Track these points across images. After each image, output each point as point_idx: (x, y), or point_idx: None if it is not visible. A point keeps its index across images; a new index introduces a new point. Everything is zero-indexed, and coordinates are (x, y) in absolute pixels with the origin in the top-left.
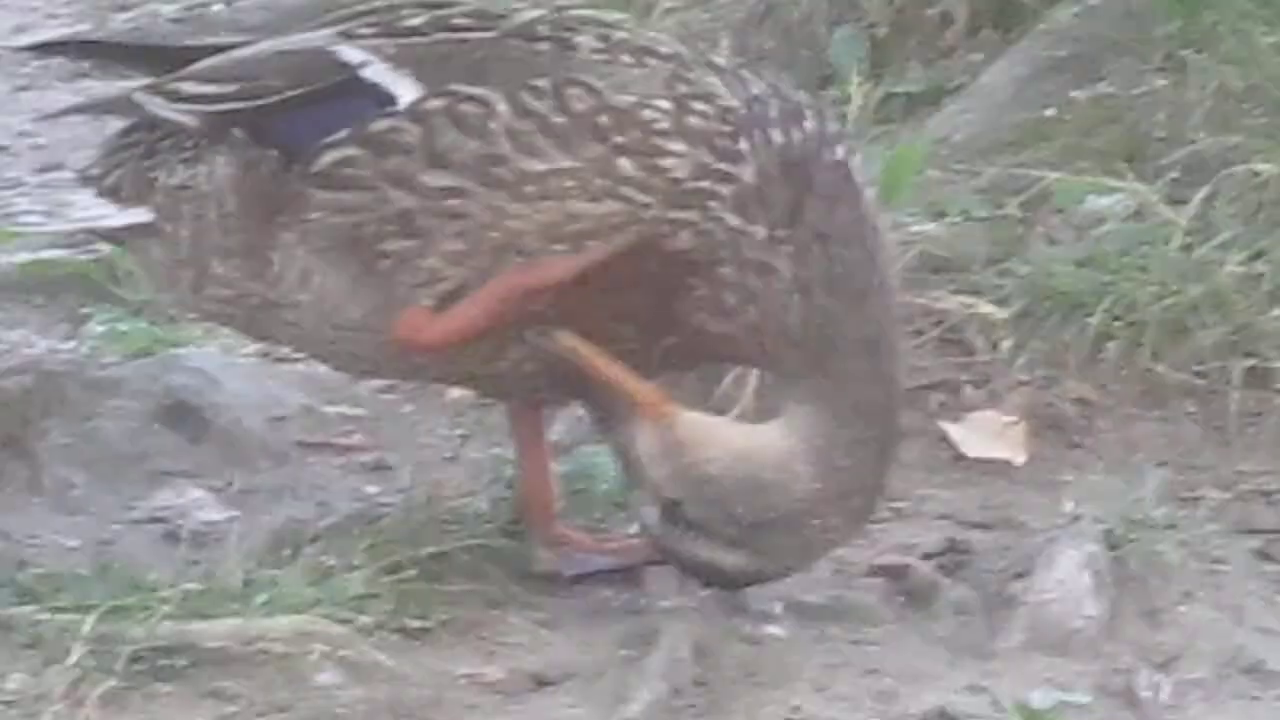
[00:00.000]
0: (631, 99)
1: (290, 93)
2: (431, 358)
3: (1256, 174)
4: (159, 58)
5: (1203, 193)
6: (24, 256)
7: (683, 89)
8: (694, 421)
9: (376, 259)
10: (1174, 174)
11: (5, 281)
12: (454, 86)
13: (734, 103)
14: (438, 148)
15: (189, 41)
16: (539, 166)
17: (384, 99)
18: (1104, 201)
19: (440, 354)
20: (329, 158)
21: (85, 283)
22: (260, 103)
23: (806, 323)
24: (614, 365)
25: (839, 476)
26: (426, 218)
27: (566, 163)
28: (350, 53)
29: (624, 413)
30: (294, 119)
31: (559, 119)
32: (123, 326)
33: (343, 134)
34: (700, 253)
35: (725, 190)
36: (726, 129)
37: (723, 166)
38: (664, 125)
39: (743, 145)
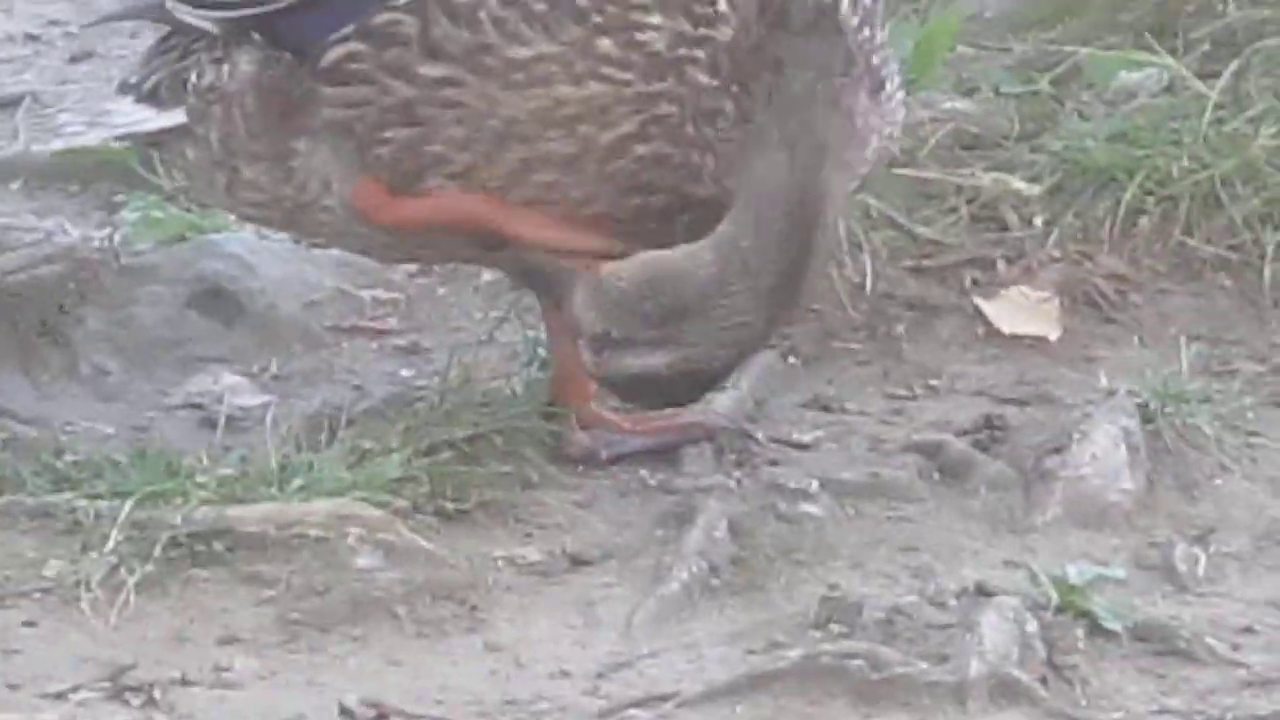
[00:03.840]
0: None
1: None
2: (463, 241)
3: None
4: None
5: (1234, 66)
6: (58, 144)
7: None
8: (622, 261)
9: (379, 147)
10: (1205, 47)
11: (39, 169)
12: None
13: None
14: (433, 38)
15: None
16: (524, 53)
17: None
18: (1135, 76)
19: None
20: (335, 54)
21: (119, 169)
22: (273, 6)
23: (741, 136)
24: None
25: (744, 260)
26: (426, 107)
27: (549, 47)
28: None
29: (568, 283)
30: (304, 19)
31: (540, 5)
32: (157, 213)
33: (348, 30)
34: (675, 118)
35: (701, 54)
36: None
37: (701, 32)
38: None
39: (722, 6)
